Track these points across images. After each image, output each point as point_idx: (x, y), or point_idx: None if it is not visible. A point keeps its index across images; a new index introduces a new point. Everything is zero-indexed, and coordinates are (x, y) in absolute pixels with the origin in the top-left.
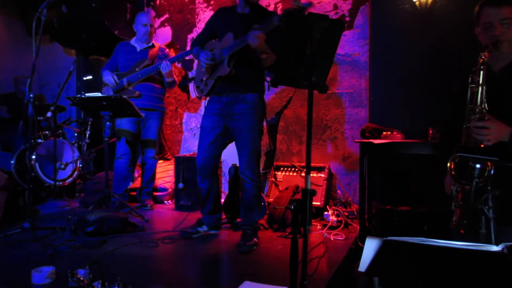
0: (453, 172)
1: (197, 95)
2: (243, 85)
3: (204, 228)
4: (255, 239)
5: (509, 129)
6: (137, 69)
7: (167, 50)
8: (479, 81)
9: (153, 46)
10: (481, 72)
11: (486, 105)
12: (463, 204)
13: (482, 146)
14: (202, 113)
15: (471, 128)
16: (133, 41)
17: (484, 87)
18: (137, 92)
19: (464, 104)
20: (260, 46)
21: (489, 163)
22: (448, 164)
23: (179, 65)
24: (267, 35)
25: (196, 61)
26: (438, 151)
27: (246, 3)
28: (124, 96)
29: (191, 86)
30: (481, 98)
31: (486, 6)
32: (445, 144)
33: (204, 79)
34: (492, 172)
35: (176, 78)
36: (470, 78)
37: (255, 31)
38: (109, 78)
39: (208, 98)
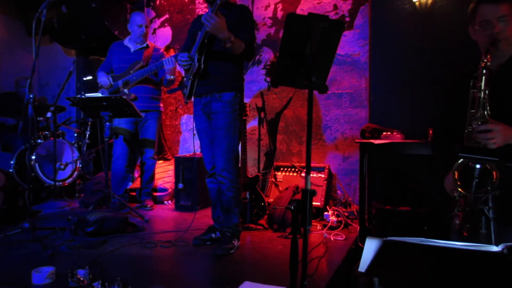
0: (458, 183)
1: (184, 100)
2: (219, 84)
3: (218, 234)
4: (235, 242)
5: None
6: (131, 71)
7: (162, 50)
8: (481, 86)
9: (147, 47)
10: (483, 77)
11: (488, 109)
12: (467, 209)
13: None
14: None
15: (473, 132)
16: (126, 41)
17: (487, 91)
18: (132, 95)
19: (459, 103)
20: (217, 29)
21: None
22: (455, 173)
23: (179, 68)
24: (226, 18)
25: None
26: (434, 150)
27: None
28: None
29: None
30: (484, 103)
31: (483, 4)
32: (440, 143)
33: (186, 82)
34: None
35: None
36: (471, 83)
37: (209, 12)
38: (103, 79)
39: (193, 101)
